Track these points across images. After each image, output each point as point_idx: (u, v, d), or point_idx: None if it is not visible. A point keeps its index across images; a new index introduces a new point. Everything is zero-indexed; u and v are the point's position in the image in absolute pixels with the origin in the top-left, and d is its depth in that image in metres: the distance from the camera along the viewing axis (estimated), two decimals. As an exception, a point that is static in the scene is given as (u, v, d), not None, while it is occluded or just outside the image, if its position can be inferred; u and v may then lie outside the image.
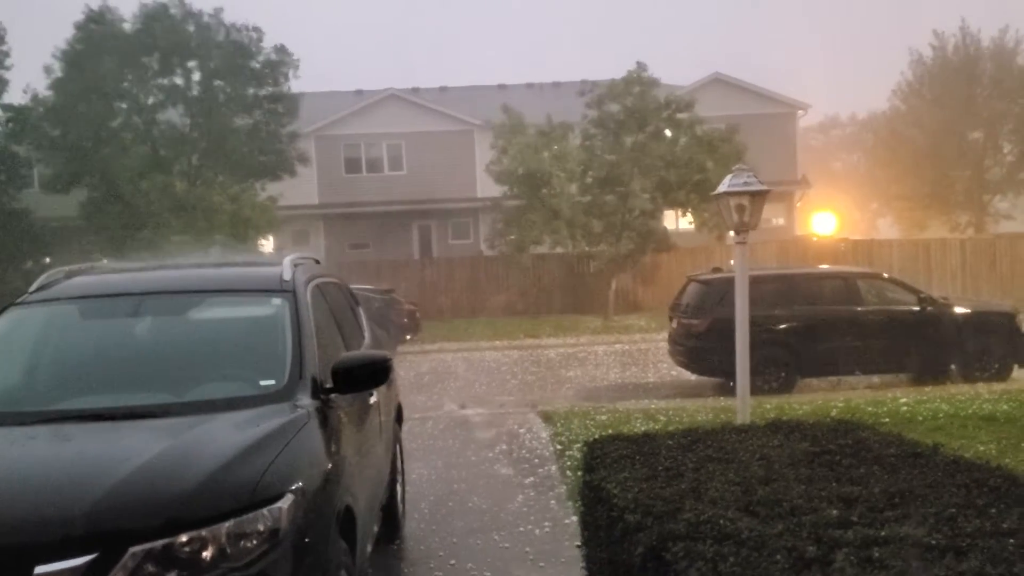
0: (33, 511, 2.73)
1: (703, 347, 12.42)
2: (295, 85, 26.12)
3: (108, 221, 23.13)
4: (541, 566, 5.50)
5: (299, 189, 28.20)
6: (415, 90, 34.52)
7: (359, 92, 34.58)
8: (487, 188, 27.42)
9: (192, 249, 19.26)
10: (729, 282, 10.35)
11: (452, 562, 5.63)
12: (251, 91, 24.91)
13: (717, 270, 13.98)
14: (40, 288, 4.48)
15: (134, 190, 22.08)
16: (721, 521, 2.64)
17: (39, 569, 2.55)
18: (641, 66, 23.45)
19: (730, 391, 10.55)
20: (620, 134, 23.40)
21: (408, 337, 19.58)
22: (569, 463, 7.86)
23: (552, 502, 6.89)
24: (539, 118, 24.10)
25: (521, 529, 6.24)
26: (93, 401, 3.67)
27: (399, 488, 6.31)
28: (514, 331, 22.17)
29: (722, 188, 7.22)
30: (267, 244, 25.09)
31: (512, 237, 24.24)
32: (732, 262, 8.15)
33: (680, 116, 23.51)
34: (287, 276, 4.48)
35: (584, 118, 23.96)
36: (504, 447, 8.94)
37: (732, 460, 3.50)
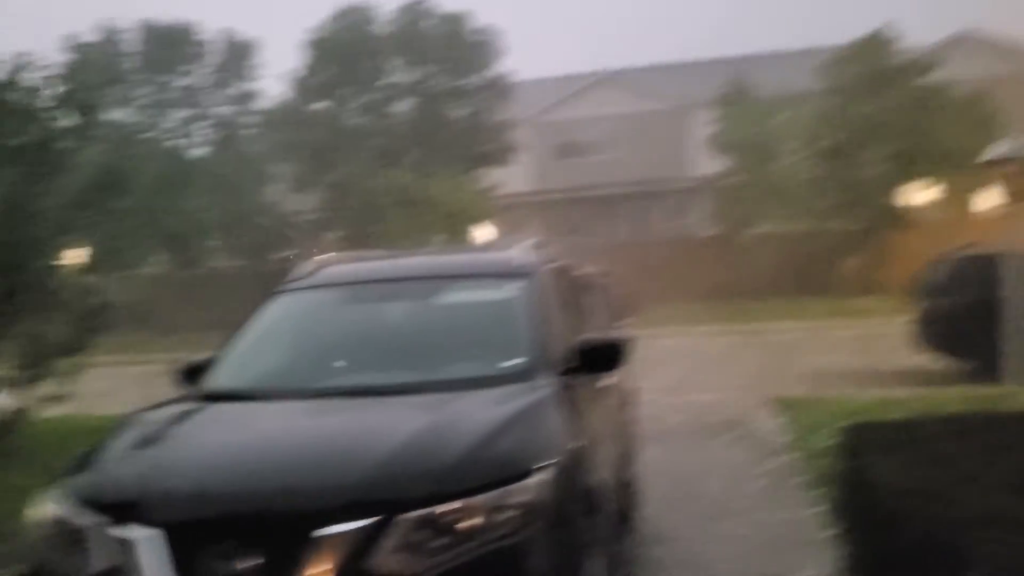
0: (313, 479, 2.97)
1: (960, 329, 11.50)
2: (508, 74, 26.74)
3: (343, 217, 24.75)
4: (785, 554, 5.32)
5: (513, 177, 28.85)
6: (624, 71, 34.31)
7: (569, 76, 34.80)
8: (702, 167, 26.84)
9: (417, 242, 20.26)
10: (990, 259, 9.48)
11: (688, 546, 5.57)
12: (468, 81, 25.68)
13: (970, 246, 12.87)
14: (301, 276, 4.86)
15: (365, 186, 23.48)
16: (1011, 510, 2.43)
17: (317, 532, 2.76)
18: (881, 26, 21.86)
19: (981, 378, 9.75)
20: (854, 101, 21.92)
21: (624, 322, 19.47)
22: (808, 451, 7.55)
23: (791, 490, 6.65)
24: (763, 90, 23.19)
25: (759, 516, 6.06)
26: (355, 379, 3.95)
27: (633, 471, 6.33)
28: (734, 315, 21.50)
29: (993, 155, 6.62)
30: (484, 233, 25.90)
31: (730, 216, 23.53)
32: (986, 238, 7.49)
33: (922, 80, 21.72)
34: (525, 260, 4.65)
35: (812, 87, 22.72)
36: (734, 434, 8.74)
37: (1013, 447, 3.22)
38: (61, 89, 9.52)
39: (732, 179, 23.71)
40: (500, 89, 26.26)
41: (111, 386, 13.90)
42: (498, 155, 26.32)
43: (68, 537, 3.04)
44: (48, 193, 9.45)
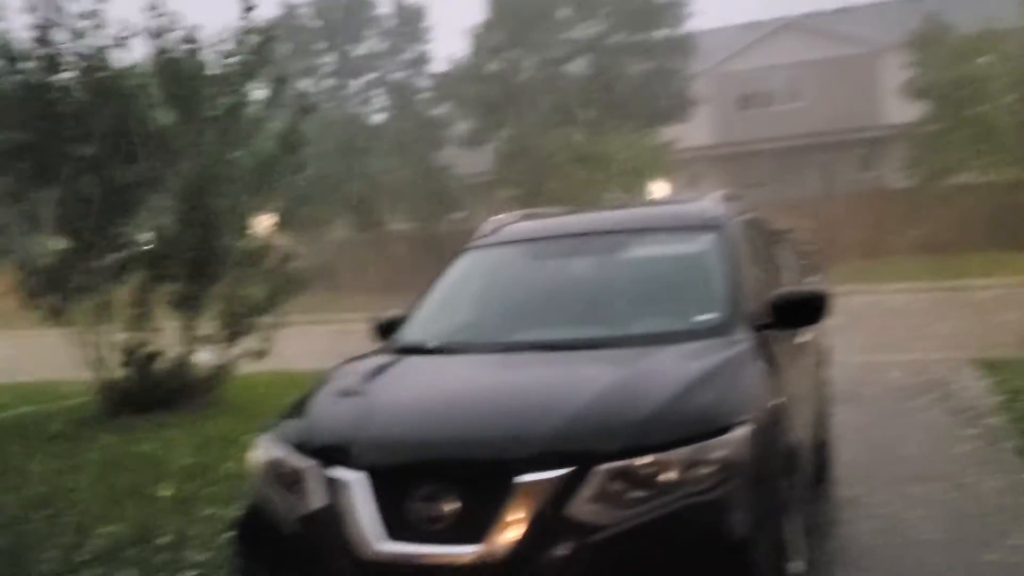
0: (512, 429, 3.03)
1: None
2: (688, 26, 26.03)
3: (516, 175, 25.00)
4: (989, 521, 4.97)
5: (691, 131, 28.14)
6: (810, 15, 32.56)
7: (751, 24, 33.42)
8: (896, 114, 25.21)
9: (592, 200, 20.20)
10: None
11: (884, 509, 5.31)
12: (647, 36, 25.25)
13: None
14: (489, 233, 4.93)
15: (539, 144, 23.58)
16: None
17: (518, 479, 2.80)
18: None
19: None
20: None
21: (812, 278, 18.69)
22: (1016, 415, 7.01)
23: (1002, 455, 6.19)
24: (959, 29, 21.43)
25: (964, 481, 5.68)
26: (545, 333, 3.98)
27: (828, 432, 6.09)
28: (931, 271, 20.18)
29: None
30: (661, 190, 25.48)
31: (927, 166, 21.98)
32: None
33: None
34: (716, 212, 4.54)
35: (1018, 22, 20.75)
36: (934, 395, 8.23)
37: None
38: (249, 60, 10.06)
39: (929, 126, 22.10)
40: (680, 42, 25.63)
41: (299, 344, 14.71)
42: (677, 109, 25.74)
43: (283, 478, 3.23)
44: (241, 160, 10.07)
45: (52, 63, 9.32)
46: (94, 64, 9.33)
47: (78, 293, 9.51)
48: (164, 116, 9.59)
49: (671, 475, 2.86)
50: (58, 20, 9.30)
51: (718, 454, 2.91)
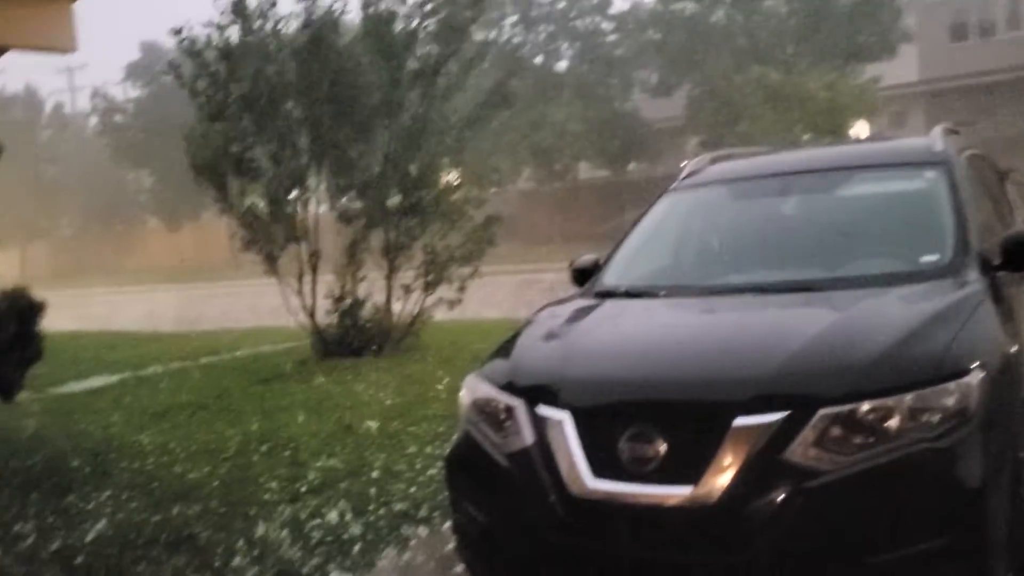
0: (728, 371, 2.95)
1: None
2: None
3: (706, 119, 24.28)
4: None
5: (896, 67, 26.26)
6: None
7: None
8: None
9: (786, 141, 19.31)
10: None
11: None
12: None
13: None
14: (691, 175, 4.79)
15: (730, 85, 22.75)
16: None
17: (738, 421, 2.73)
18: None
19: None
20: None
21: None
22: None
23: None
24: None
25: None
26: (755, 276, 3.84)
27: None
28: None
29: None
30: (863, 131, 24.00)
31: None
32: None
33: None
34: (939, 147, 4.21)
35: None
36: None
37: None
38: (442, 15, 10.26)
39: None
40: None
41: (487, 294, 15.05)
42: (883, 45, 24.02)
43: (491, 415, 3.31)
44: (445, 114, 10.35)
45: (276, 23, 9.92)
46: (314, 22, 9.84)
47: (290, 241, 10.14)
48: (374, 73, 9.99)
49: (896, 421, 2.70)
50: None
51: (947, 400, 2.73)
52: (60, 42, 3.96)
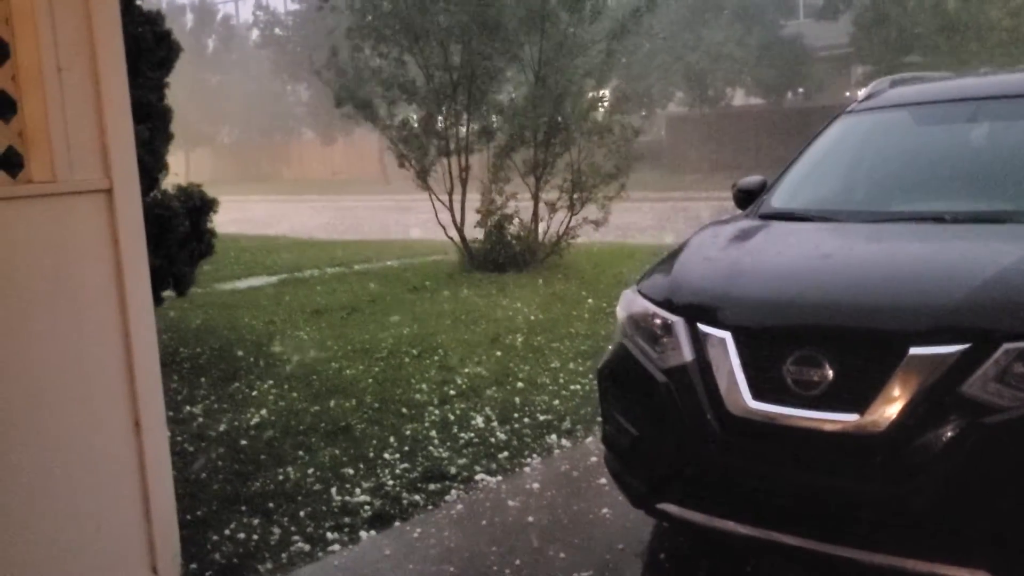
0: (906, 299, 2.82)
1: None
2: None
3: (874, 48, 22.90)
4: None
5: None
6: None
7: None
8: None
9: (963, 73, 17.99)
10: None
11: None
12: None
13: None
14: (868, 97, 4.55)
15: (903, 11, 21.32)
16: None
17: (914, 351, 2.62)
18: None
19: None
20: None
21: None
22: None
23: None
24: None
25: None
26: (936, 205, 3.63)
27: None
28: None
29: None
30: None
31: None
32: None
33: None
34: None
35: None
36: None
37: None
38: None
39: None
40: None
41: (633, 218, 14.85)
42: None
43: (649, 330, 3.28)
44: (589, 31, 10.17)
45: None
46: None
47: (442, 154, 10.31)
48: None
49: None
50: None
51: None
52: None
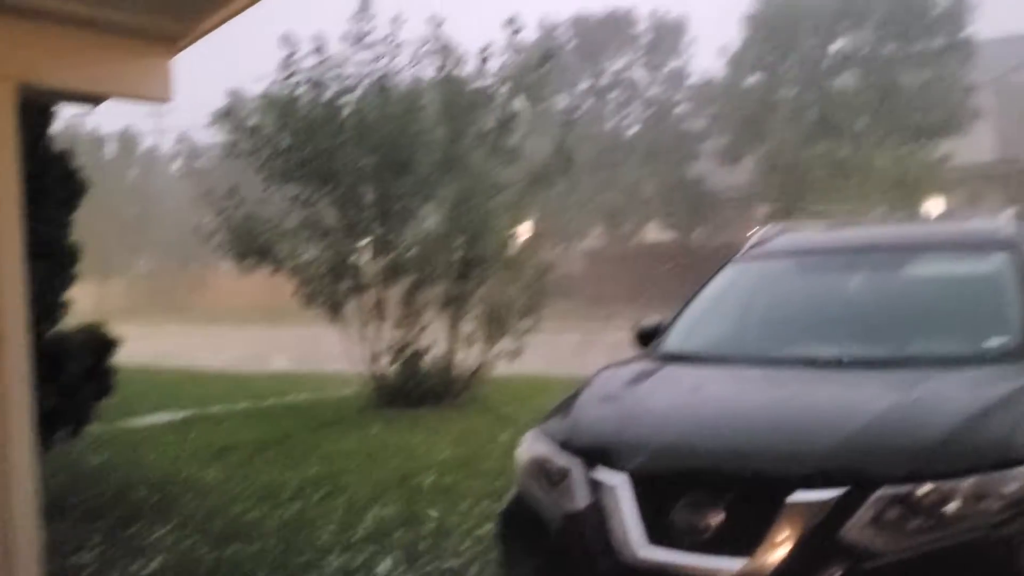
0: (787, 444, 2.95)
1: None
2: (972, 31, 24.12)
3: (773, 190, 24.24)
4: None
5: (971, 145, 25.92)
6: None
7: (1046, 30, 30.32)
8: None
9: (854, 216, 19.14)
10: None
11: None
12: (924, 45, 23.74)
13: None
14: (757, 245, 4.83)
15: (798, 158, 22.74)
16: None
17: (795, 496, 2.73)
18: None
19: None
20: None
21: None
22: None
23: None
24: None
25: None
26: (820, 350, 3.84)
27: None
28: None
29: None
30: (935, 206, 23.66)
31: None
32: None
33: None
34: (1008, 231, 4.22)
35: None
36: None
37: None
38: (516, 79, 10.53)
39: None
40: (960, 50, 23.85)
41: (549, 350, 14.99)
42: (955, 122, 23.90)
43: (547, 474, 3.34)
44: (505, 172, 10.57)
45: (344, 85, 10.25)
46: (381, 85, 10.15)
47: (352, 293, 10.36)
48: (439, 130, 10.24)
49: (956, 506, 2.68)
50: (354, 46, 10.22)
51: (1010, 487, 2.70)
52: (156, 92, 4.20)
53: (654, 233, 32.45)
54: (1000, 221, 4.43)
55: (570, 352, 16.60)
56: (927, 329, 3.91)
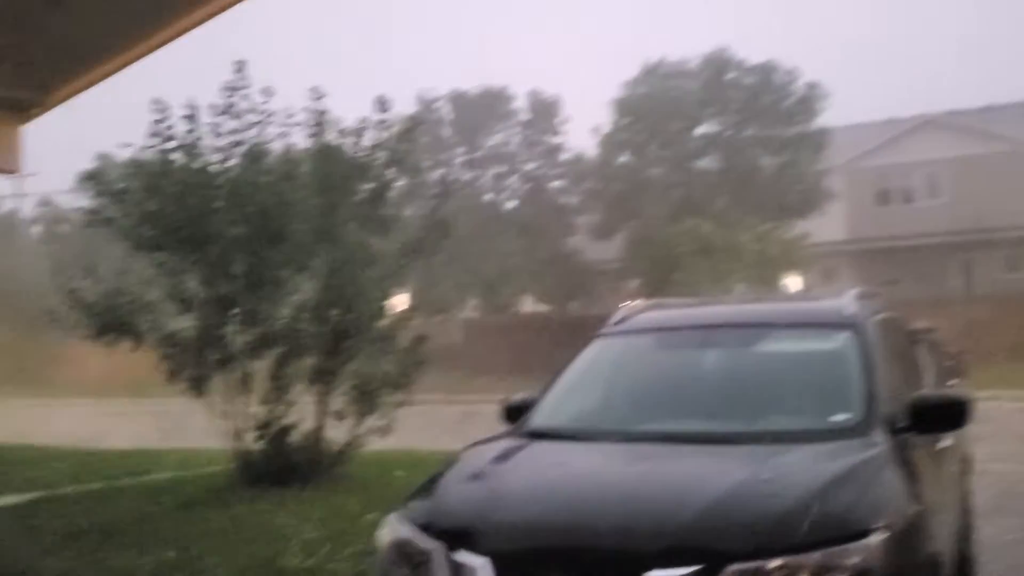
0: (641, 521, 3.01)
1: None
2: (824, 119, 25.96)
3: (643, 264, 25.12)
4: None
5: (824, 225, 27.60)
6: (953, 113, 31.72)
7: (890, 121, 32.77)
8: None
9: (719, 291, 20.00)
10: None
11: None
12: (781, 131, 25.39)
13: None
14: (619, 321, 4.96)
15: (666, 235, 23.69)
16: None
17: (649, 573, 2.77)
18: None
19: None
20: None
21: (953, 382, 17.74)
22: None
23: None
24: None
25: None
26: (675, 425, 3.96)
27: (971, 545, 5.73)
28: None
29: None
30: (793, 283, 24.96)
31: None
32: None
33: None
34: (852, 310, 4.46)
35: None
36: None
37: None
38: (390, 150, 10.60)
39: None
40: (814, 137, 25.66)
41: (425, 423, 14.88)
42: (809, 203, 25.60)
43: (409, 558, 3.29)
44: (380, 243, 10.52)
45: (218, 152, 10.09)
46: (256, 153, 10.02)
47: (219, 366, 10.01)
48: (311, 201, 10.14)
49: None
50: (226, 112, 10.07)
51: (852, 560, 2.82)
52: (6, 164, 4.03)
53: (531, 304, 32.93)
54: (844, 300, 4.65)
55: (449, 425, 16.50)
56: (777, 405, 4.07)
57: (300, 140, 10.47)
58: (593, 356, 4.75)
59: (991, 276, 28.32)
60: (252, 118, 10.08)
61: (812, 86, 26.11)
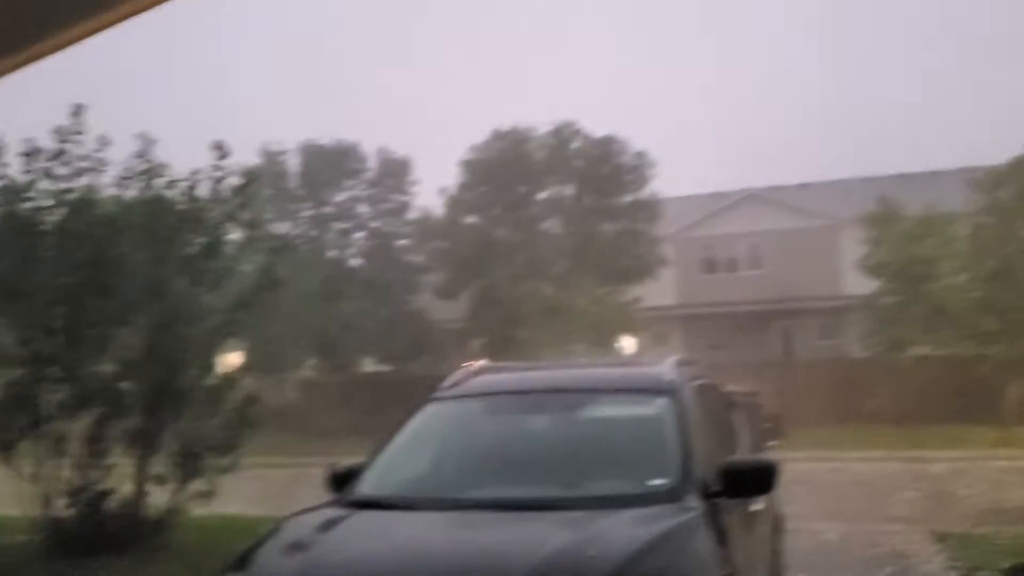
0: None
1: None
2: (655, 190, 27.33)
3: (487, 324, 25.39)
4: None
5: (657, 290, 28.84)
6: (773, 188, 34.05)
7: (716, 194, 34.80)
8: (856, 286, 26.03)
9: (559, 351, 20.46)
10: None
11: None
12: (616, 199, 26.53)
13: None
14: (450, 385, 4.99)
15: (510, 295, 24.10)
16: None
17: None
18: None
19: None
20: (1014, 221, 21.13)
21: (771, 444, 18.68)
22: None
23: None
24: (915, 209, 22.60)
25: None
26: (499, 492, 3.99)
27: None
28: (890, 442, 20.32)
29: None
30: (627, 345, 25.83)
31: (885, 337, 22.60)
32: None
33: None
34: (670, 377, 4.64)
35: (965, 206, 22.03)
36: (891, 569, 8.18)
37: None
38: (227, 203, 10.32)
39: (886, 299, 22.89)
40: (648, 206, 27.00)
41: (257, 487, 14.36)
42: (643, 269, 26.80)
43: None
44: (212, 299, 10.15)
45: (40, 201, 9.54)
46: (79, 202, 9.53)
47: (32, 426, 9.33)
48: (140, 253, 9.71)
49: None
50: (56, 158, 9.57)
51: None
52: None
53: (374, 364, 32.47)
54: (664, 367, 4.85)
55: (280, 489, 15.94)
56: (601, 469, 4.19)
57: (132, 190, 10.07)
58: (423, 421, 4.74)
59: (808, 343, 30.29)
60: (84, 165, 9.63)
61: (640, 155, 27.61)
